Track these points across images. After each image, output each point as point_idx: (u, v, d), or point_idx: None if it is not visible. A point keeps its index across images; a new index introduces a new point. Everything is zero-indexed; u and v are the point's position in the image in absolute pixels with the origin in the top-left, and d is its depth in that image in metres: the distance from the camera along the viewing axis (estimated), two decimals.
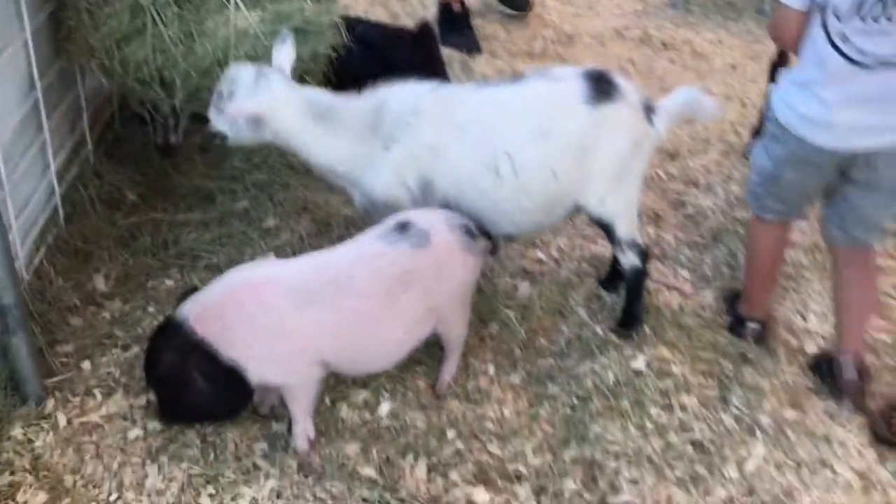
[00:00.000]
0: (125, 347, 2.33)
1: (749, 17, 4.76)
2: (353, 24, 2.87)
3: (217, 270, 2.57)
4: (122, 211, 2.80)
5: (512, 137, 2.18)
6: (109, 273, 2.58)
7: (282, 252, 2.66)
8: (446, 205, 2.25)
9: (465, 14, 4.30)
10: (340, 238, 2.73)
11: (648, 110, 2.27)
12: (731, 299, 2.60)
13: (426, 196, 2.27)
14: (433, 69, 3.41)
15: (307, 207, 2.87)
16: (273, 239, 2.74)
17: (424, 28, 3.40)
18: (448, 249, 2.08)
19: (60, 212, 2.61)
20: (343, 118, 2.26)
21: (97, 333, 2.37)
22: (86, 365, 2.27)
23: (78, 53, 2.50)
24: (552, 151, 2.19)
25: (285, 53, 2.29)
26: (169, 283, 2.57)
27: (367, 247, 2.06)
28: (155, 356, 2.00)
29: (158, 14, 2.34)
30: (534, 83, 2.27)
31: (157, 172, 3.01)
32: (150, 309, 2.46)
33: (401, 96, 2.25)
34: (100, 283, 2.53)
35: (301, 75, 2.55)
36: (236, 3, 2.33)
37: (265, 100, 2.19)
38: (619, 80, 2.26)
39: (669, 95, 2.37)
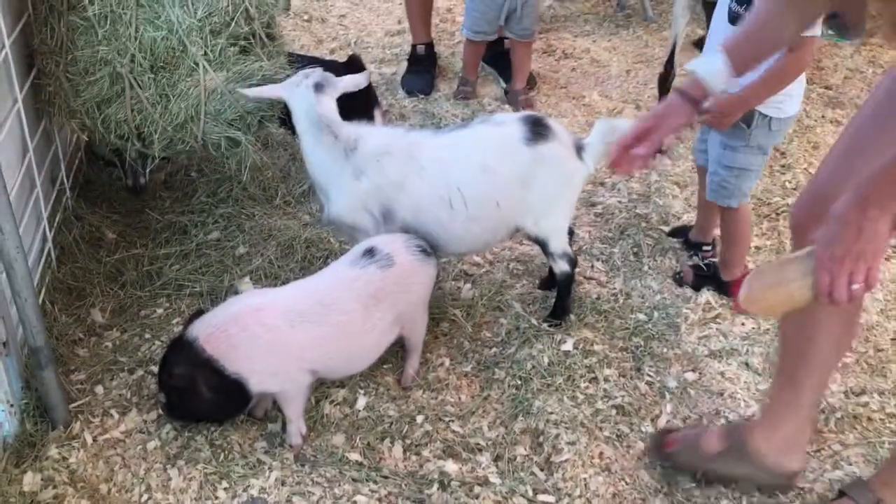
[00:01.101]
0: (130, 371, 2.65)
1: (637, 24, 5.29)
2: (294, 62, 3.23)
3: (201, 297, 2.93)
4: (105, 249, 3.07)
5: (463, 175, 2.61)
6: (105, 307, 2.87)
7: (255, 276, 2.99)
8: (405, 229, 2.66)
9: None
10: (304, 259, 3.11)
11: (579, 148, 2.70)
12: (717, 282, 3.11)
13: (386, 221, 2.67)
14: (364, 95, 3.81)
15: (272, 234, 3.20)
16: (246, 265, 3.05)
17: (354, 60, 3.79)
18: (409, 267, 2.49)
19: (52, 255, 2.91)
20: (329, 138, 2.63)
21: (103, 361, 2.66)
22: (99, 389, 2.57)
23: (59, 115, 2.79)
24: (497, 185, 2.63)
25: (351, 79, 2.76)
26: (159, 311, 2.88)
27: (343, 272, 2.46)
28: (169, 370, 2.33)
29: (136, 80, 2.66)
30: (480, 127, 2.70)
31: (129, 210, 3.30)
32: (147, 335, 2.78)
33: (375, 138, 2.67)
34: (97, 317, 2.83)
35: (260, 119, 2.93)
36: (204, 67, 2.68)
37: (289, 92, 2.67)
38: (553, 123, 2.70)
39: (591, 132, 2.78)
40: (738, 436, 2.32)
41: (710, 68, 1.98)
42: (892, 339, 2.92)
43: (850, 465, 2.46)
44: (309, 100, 2.63)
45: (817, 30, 2.46)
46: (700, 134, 3.03)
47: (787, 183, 3.79)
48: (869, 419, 2.61)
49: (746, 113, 2.67)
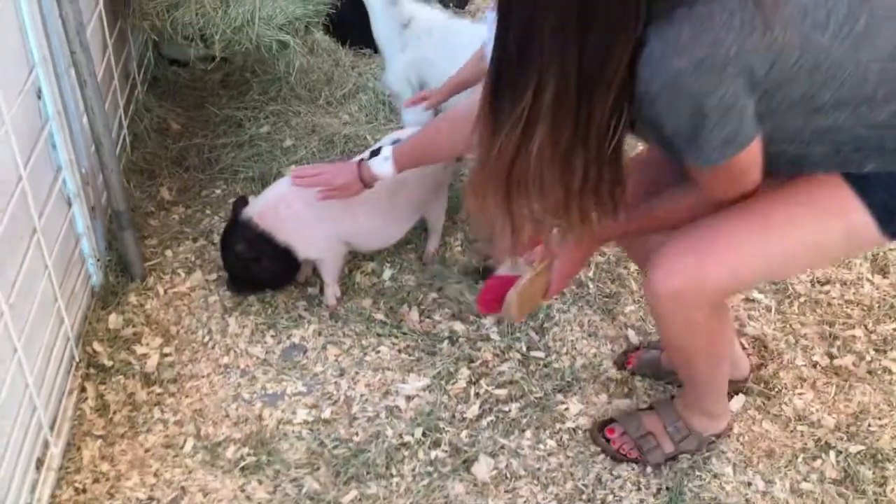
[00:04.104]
0: (194, 240, 3.09)
1: None
2: None
3: (252, 181, 3.35)
4: (171, 138, 3.52)
5: None
6: (171, 186, 3.32)
7: (300, 165, 3.40)
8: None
9: None
10: (343, 153, 3.52)
11: None
12: None
13: None
14: None
15: (315, 129, 3.59)
16: (292, 156, 3.45)
17: None
18: None
19: (127, 141, 3.37)
20: (393, 12, 3.03)
21: (171, 231, 3.11)
22: (168, 253, 3.03)
23: (133, 17, 3.21)
24: None
25: None
26: (218, 192, 3.32)
27: None
28: (231, 245, 2.72)
29: None
30: None
31: (191, 105, 3.74)
32: (207, 212, 3.22)
33: (424, 17, 3.06)
34: (165, 194, 3.29)
35: (307, 25, 3.32)
36: None
37: None
38: None
39: None
40: None
41: (381, 169, 2.45)
42: None
43: (807, 340, 2.83)
44: None
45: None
46: None
47: None
48: (829, 304, 2.96)
49: None
